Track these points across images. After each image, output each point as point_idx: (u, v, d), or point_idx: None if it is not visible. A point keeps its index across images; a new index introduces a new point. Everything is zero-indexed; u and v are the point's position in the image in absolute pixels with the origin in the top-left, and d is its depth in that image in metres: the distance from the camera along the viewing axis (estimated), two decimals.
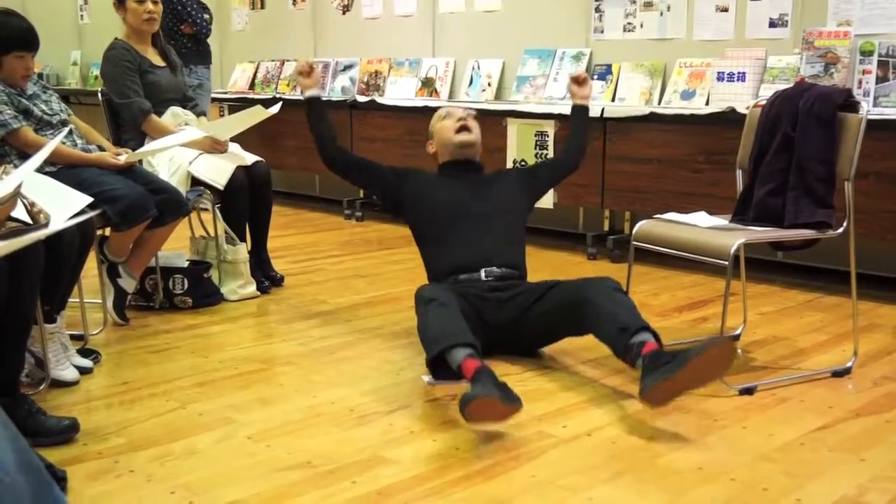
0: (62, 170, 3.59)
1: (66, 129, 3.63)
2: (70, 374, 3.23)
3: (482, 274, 3.47)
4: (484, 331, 3.32)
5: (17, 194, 2.49)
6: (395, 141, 6.41)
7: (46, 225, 2.61)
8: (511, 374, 3.32)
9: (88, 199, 3.19)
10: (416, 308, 3.25)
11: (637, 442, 2.74)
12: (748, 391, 3.14)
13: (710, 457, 2.63)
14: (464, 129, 3.73)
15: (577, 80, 3.98)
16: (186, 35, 6.71)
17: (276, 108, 4.57)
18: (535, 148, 5.50)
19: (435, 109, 6.07)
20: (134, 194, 3.68)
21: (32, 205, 2.68)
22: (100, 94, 4.50)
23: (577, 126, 3.97)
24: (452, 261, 3.53)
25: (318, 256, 5.49)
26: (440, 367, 3.01)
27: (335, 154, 3.89)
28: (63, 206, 3.03)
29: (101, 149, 3.88)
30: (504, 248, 3.57)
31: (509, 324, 3.41)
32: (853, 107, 3.36)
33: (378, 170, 3.85)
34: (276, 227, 4.93)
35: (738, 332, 3.80)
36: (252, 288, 4.46)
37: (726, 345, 2.83)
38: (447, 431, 2.80)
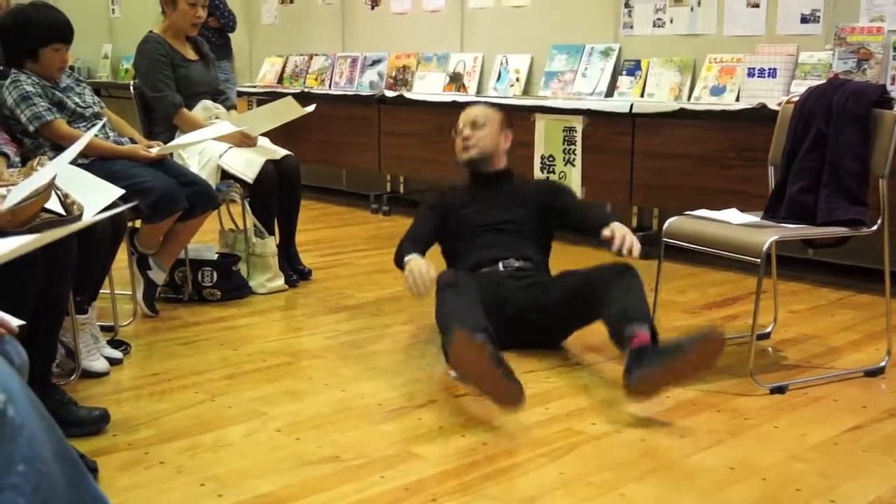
0: (94, 162, 3.61)
1: (100, 123, 3.65)
2: (100, 364, 3.25)
3: (500, 266, 3.55)
4: (505, 319, 3.34)
5: (51, 186, 2.51)
6: (423, 136, 6.40)
7: (80, 217, 2.63)
8: (538, 370, 3.32)
9: (120, 192, 3.20)
10: (436, 293, 3.26)
11: (667, 440, 2.72)
12: (780, 390, 3.12)
13: (742, 456, 2.61)
14: (465, 148, 3.76)
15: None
16: (212, 29, 6.74)
17: (311, 108, 4.59)
18: (563, 143, 5.48)
19: (463, 105, 6.12)
20: (165, 187, 3.69)
21: (66, 196, 2.69)
22: (132, 87, 4.52)
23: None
24: (473, 259, 3.60)
25: (345, 250, 5.50)
26: None
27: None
28: (95, 198, 3.04)
29: (132, 141, 3.91)
30: (523, 244, 3.64)
31: (529, 308, 3.44)
32: (888, 103, 3.33)
33: (431, 229, 3.74)
34: (304, 220, 4.94)
35: (768, 330, 3.77)
36: (280, 281, 4.47)
37: (715, 338, 2.81)
38: (476, 427, 2.79)
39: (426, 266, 3.27)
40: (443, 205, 3.80)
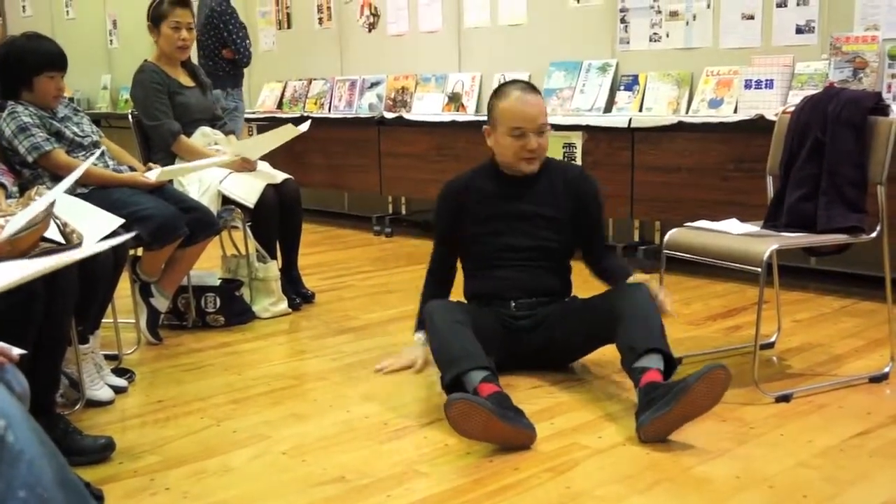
0: (94, 191, 3.63)
1: (98, 151, 3.67)
2: (105, 393, 3.25)
3: (512, 304, 3.41)
4: (511, 352, 3.34)
5: (49, 215, 2.52)
6: (423, 156, 6.43)
7: (79, 245, 2.64)
8: (543, 385, 3.31)
9: (120, 221, 3.20)
10: (427, 323, 3.22)
11: (673, 451, 2.71)
12: (784, 398, 3.11)
13: (748, 465, 2.61)
14: (532, 160, 3.35)
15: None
16: (226, 60, 6.76)
17: (305, 127, 4.60)
18: (564, 159, 5.48)
19: (462, 124, 6.16)
20: (165, 214, 3.71)
21: (65, 225, 2.70)
22: (130, 117, 4.54)
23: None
24: (486, 288, 3.46)
25: (348, 273, 5.50)
26: (455, 388, 2.93)
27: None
28: (95, 227, 3.05)
29: (132, 169, 3.92)
30: (541, 276, 3.44)
31: (540, 347, 3.40)
32: (883, 110, 3.34)
33: (451, 261, 3.59)
34: (306, 244, 4.95)
35: (772, 339, 3.76)
36: (283, 305, 4.47)
37: (718, 373, 2.71)
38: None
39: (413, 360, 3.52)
40: (457, 206, 3.47)
